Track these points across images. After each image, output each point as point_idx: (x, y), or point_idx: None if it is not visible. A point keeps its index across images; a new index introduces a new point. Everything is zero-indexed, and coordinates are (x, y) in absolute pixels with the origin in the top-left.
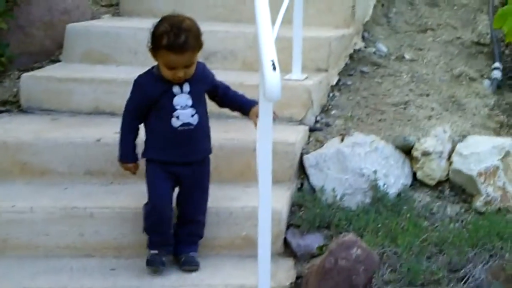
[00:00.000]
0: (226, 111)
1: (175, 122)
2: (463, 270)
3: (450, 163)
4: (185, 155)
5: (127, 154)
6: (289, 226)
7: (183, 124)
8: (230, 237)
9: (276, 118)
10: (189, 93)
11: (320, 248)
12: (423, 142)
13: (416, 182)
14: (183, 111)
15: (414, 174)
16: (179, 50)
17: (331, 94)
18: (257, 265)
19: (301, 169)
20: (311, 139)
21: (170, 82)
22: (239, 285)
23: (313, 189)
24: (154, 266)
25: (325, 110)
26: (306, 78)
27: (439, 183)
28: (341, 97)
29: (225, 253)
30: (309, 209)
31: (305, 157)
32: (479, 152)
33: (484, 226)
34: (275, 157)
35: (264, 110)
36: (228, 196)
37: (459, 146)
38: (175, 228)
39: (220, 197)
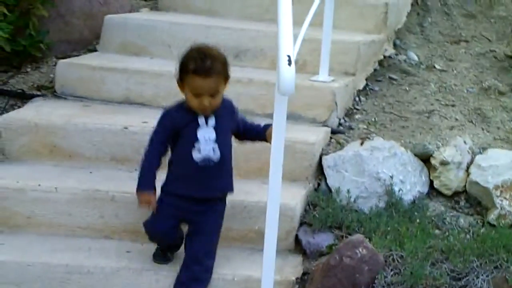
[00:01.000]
0: (248, 104)
1: (196, 155)
2: (465, 279)
3: (468, 174)
4: (204, 191)
5: (148, 183)
6: (302, 224)
7: (204, 160)
8: (243, 230)
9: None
10: (214, 127)
11: (330, 247)
12: (442, 151)
13: (433, 191)
14: (205, 145)
15: (431, 183)
16: (205, 73)
17: (357, 99)
18: None
19: (320, 170)
20: (332, 141)
21: (197, 113)
22: (247, 276)
23: (329, 190)
24: (160, 261)
25: (349, 113)
26: (333, 80)
27: (456, 193)
28: (366, 102)
29: (238, 245)
30: (322, 209)
31: (324, 158)
32: (498, 165)
33: (492, 238)
34: (294, 156)
35: (279, 104)
36: (244, 190)
37: (478, 158)
38: (180, 268)
39: (236, 191)
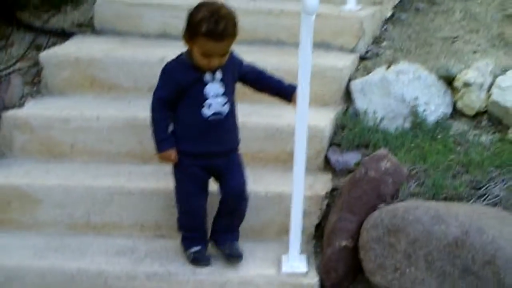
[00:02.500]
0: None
1: (206, 112)
2: (484, 188)
3: (489, 95)
4: (217, 144)
5: (164, 140)
6: (331, 144)
7: (214, 114)
8: (276, 151)
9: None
10: (221, 80)
11: (357, 164)
12: (465, 73)
13: (456, 112)
14: (215, 99)
15: (455, 104)
16: (219, 37)
17: (384, 27)
18: None
19: (348, 94)
20: (360, 67)
21: (202, 69)
22: (279, 192)
23: (357, 113)
24: (202, 263)
25: (377, 41)
26: (360, 9)
27: (478, 114)
28: (393, 30)
29: (271, 166)
30: (350, 130)
31: (352, 82)
32: None
33: (510, 150)
34: (323, 81)
35: (305, 24)
36: (276, 114)
37: (499, 79)
38: (215, 217)
39: (268, 115)
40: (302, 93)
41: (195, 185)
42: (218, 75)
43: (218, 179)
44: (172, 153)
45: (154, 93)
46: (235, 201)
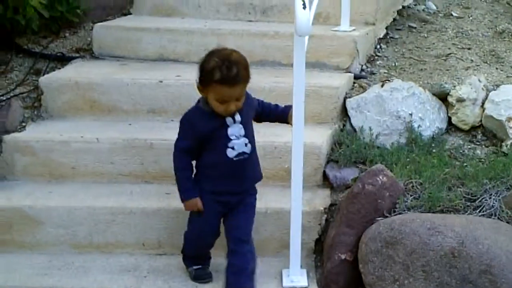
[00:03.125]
0: (275, 55)
1: (231, 153)
2: (479, 200)
3: (483, 110)
4: (240, 184)
5: (190, 189)
6: (329, 161)
7: (239, 155)
8: (274, 169)
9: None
10: (241, 122)
11: (355, 180)
12: (458, 89)
13: (451, 127)
14: (238, 141)
15: (450, 120)
16: (232, 83)
17: (378, 46)
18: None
19: (344, 112)
20: (355, 85)
21: (221, 116)
22: (279, 208)
23: (353, 130)
24: (204, 279)
25: (371, 60)
26: (354, 30)
27: (473, 128)
28: (387, 49)
29: (270, 183)
30: (347, 146)
31: (347, 100)
32: (510, 99)
33: (504, 163)
34: (320, 100)
35: (298, 45)
36: (274, 133)
37: (491, 94)
38: (228, 259)
39: (267, 134)
40: (297, 111)
41: (212, 223)
42: (238, 117)
43: (229, 214)
44: (198, 201)
45: (176, 144)
46: (240, 243)
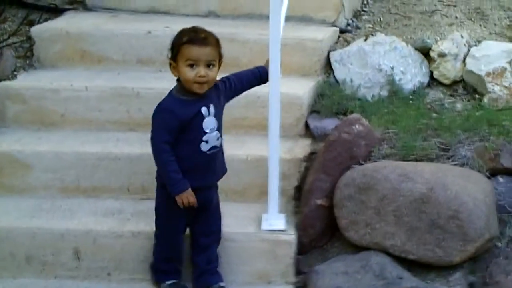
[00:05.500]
0: (263, 9)
1: (204, 147)
2: (452, 149)
3: (464, 65)
4: (212, 177)
5: (180, 181)
6: (311, 112)
7: (211, 148)
8: (257, 118)
9: None
10: (215, 115)
11: None
12: (440, 44)
13: (433, 81)
14: (211, 134)
15: (432, 74)
16: (201, 42)
17: (365, 2)
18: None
19: (328, 65)
20: (340, 39)
21: (197, 103)
22: (259, 156)
23: (337, 82)
24: None
25: (357, 15)
26: None
27: (454, 83)
28: (374, 5)
29: (253, 132)
30: (329, 98)
31: (331, 53)
32: (489, 55)
33: (477, 116)
34: (304, 53)
35: None
36: None
37: (472, 49)
38: (192, 258)
39: None
40: (274, 61)
41: (184, 219)
42: (212, 109)
43: (195, 212)
44: (191, 192)
45: (156, 138)
46: (205, 248)
